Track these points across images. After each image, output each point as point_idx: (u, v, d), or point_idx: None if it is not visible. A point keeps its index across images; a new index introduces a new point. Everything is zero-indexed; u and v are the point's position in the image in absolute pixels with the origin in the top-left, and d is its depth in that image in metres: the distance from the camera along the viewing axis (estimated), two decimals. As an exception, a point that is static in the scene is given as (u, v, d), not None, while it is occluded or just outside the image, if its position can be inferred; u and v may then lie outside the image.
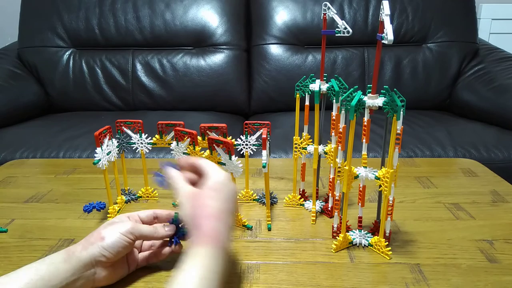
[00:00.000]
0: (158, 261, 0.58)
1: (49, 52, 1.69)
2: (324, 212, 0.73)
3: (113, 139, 0.72)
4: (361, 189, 0.61)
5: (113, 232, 0.50)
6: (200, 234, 0.46)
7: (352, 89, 0.57)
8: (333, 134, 0.65)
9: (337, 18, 0.62)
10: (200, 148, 0.65)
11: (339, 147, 0.61)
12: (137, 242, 0.57)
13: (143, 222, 0.56)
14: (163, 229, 0.56)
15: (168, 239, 0.57)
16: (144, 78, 1.68)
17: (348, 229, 0.65)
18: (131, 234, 0.51)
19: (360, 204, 0.63)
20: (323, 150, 0.70)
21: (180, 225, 0.58)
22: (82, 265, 0.48)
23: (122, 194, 0.78)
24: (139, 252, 0.58)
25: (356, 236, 0.64)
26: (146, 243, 0.59)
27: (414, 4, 1.67)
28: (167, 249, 0.57)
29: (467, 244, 0.63)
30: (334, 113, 0.65)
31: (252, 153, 0.74)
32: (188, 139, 0.65)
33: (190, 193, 0.51)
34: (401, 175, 0.89)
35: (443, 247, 0.63)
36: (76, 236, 0.66)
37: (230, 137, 0.67)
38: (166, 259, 0.58)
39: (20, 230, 0.69)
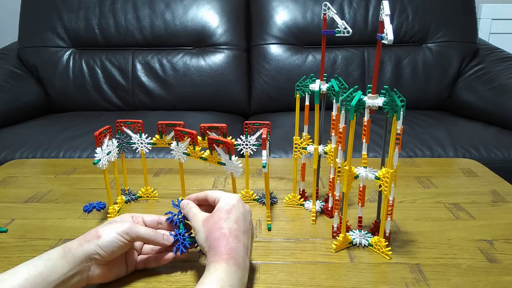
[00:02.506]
0: (158, 266, 0.57)
1: (49, 52, 1.69)
2: (324, 212, 0.73)
3: (113, 139, 0.72)
4: (361, 189, 0.61)
5: (109, 231, 0.51)
6: (217, 253, 0.48)
7: (352, 89, 0.57)
8: (333, 134, 0.65)
9: (337, 18, 0.62)
10: (200, 148, 0.65)
11: (339, 147, 0.61)
12: (138, 244, 0.57)
13: (147, 226, 0.56)
14: (162, 238, 0.55)
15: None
16: (144, 78, 1.68)
17: (348, 229, 0.65)
18: (127, 235, 0.51)
19: (360, 204, 0.63)
20: (323, 150, 0.70)
21: (186, 233, 0.58)
22: (78, 261, 0.48)
23: (122, 194, 0.78)
24: (138, 254, 0.58)
25: (356, 236, 0.64)
26: (147, 246, 0.58)
27: (414, 4, 1.67)
28: (170, 255, 0.57)
29: (467, 244, 0.63)
30: (334, 113, 0.65)
31: (252, 153, 0.74)
32: (188, 139, 0.65)
33: (204, 218, 0.53)
34: (401, 175, 0.89)
35: (443, 247, 0.63)
36: (76, 236, 0.65)
37: (230, 137, 0.67)
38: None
39: (20, 230, 0.69)
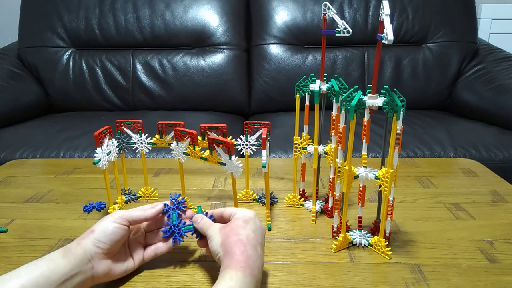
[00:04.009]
0: (168, 251, 0.58)
1: (49, 52, 1.69)
2: (324, 212, 0.73)
3: (113, 139, 0.72)
4: (361, 189, 0.61)
5: (102, 223, 0.52)
6: (233, 259, 0.47)
7: (352, 89, 0.57)
8: (333, 134, 0.65)
9: (337, 18, 0.62)
10: (200, 148, 0.65)
11: (339, 147, 0.61)
12: (140, 236, 0.58)
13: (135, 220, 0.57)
14: (151, 209, 0.56)
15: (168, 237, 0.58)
16: (144, 78, 1.68)
17: (348, 229, 0.65)
18: (120, 219, 0.52)
19: (360, 204, 0.63)
20: (323, 150, 0.70)
21: (180, 223, 0.58)
22: (79, 260, 0.48)
23: (122, 194, 0.78)
24: (144, 247, 0.58)
25: (356, 236, 0.64)
26: (150, 236, 0.59)
27: (414, 4, 1.67)
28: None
29: (467, 244, 0.63)
30: (334, 113, 0.65)
31: (252, 153, 0.74)
32: (188, 139, 0.65)
33: (220, 226, 0.53)
34: (401, 175, 0.89)
35: (443, 247, 0.63)
36: (76, 236, 0.65)
37: (230, 137, 0.67)
38: (167, 260, 0.58)
39: (20, 230, 0.69)
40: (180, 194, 0.59)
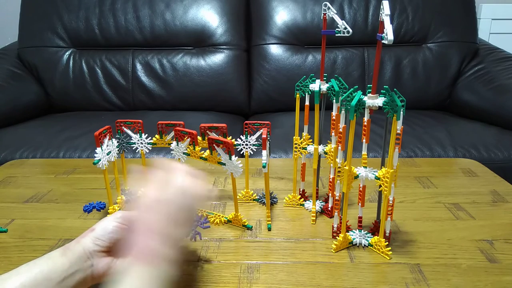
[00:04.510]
0: None
1: (49, 52, 1.69)
2: (324, 212, 0.73)
3: (113, 139, 0.72)
4: (361, 189, 0.61)
5: (102, 221, 0.52)
6: (135, 249, 0.46)
7: (352, 89, 0.57)
8: (333, 134, 0.65)
9: (337, 18, 0.62)
10: (200, 148, 0.65)
11: (339, 147, 0.61)
12: None
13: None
14: None
15: None
16: (144, 78, 1.68)
17: (348, 229, 0.65)
18: (121, 218, 0.52)
19: (360, 204, 0.63)
20: (323, 150, 0.70)
21: (204, 219, 0.58)
22: (78, 258, 0.48)
23: (122, 194, 0.78)
24: None
25: (356, 236, 0.64)
26: None
27: (414, 4, 1.67)
28: None
29: (467, 244, 0.63)
30: (334, 113, 0.65)
31: (252, 153, 0.74)
32: (188, 139, 0.65)
33: (145, 199, 0.50)
34: (401, 175, 0.89)
35: (443, 247, 0.63)
36: (76, 236, 0.65)
37: (230, 137, 0.67)
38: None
39: (20, 230, 0.69)
40: None
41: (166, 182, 0.50)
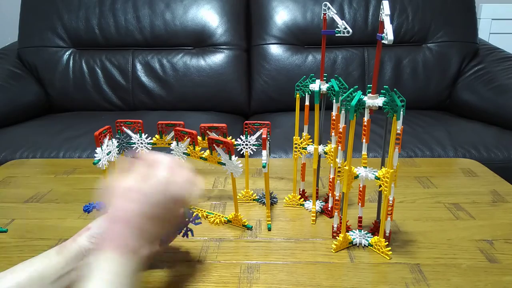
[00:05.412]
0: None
1: (49, 52, 1.69)
2: (324, 212, 0.73)
3: (113, 139, 0.72)
4: (361, 189, 0.61)
5: (98, 220, 0.52)
6: (107, 238, 0.44)
7: (352, 89, 0.57)
8: (333, 134, 0.65)
9: (337, 18, 0.62)
10: (200, 148, 0.65)
11: (339, 147, 0.61)
12: None
13: None
14: None
15: None
16: (144, 78, 1.68)
17: (348, 229, 0.65)
18: None
19: (360, 204, 0.63)
20: (323, 150, 0.70)
21: (195, 216, 0.57)
22: (74, 256, 0.48)
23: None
24: None
25: (356, 236, 0.64)
26: None
27: (414, 4, 1.67)
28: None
29: (467, 244, 0.63)
30: (334, 113, 0.65)
31: (252, 153, 0.74)
32: (188, 139, 0.65)
33: (121, 188, 0.47)
34: (401, 175, 0.89)
35: (443, 247, 0.63)
36: (76, 236, 0.66)
37: (230, 137, 0.67)
38: (167, 260, 0.58)
39: (20, 230, 0.69)
40: None
41: (147, 175, 0.47)
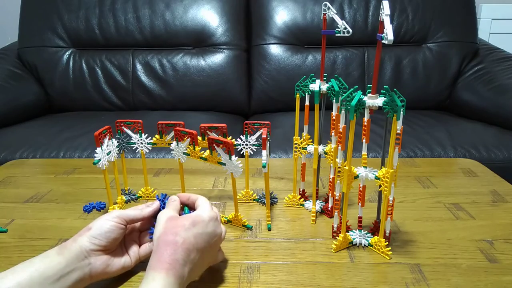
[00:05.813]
0: None
1: (49, 52, 1.69)
2: (324, 212, 0.73)
3: (113, 139, 0.72)
4: (361, 189, 0.61)
5: (99, 221, 0.52)
6: (160, 260, 0.46)
7: (352, 89, 0.57)
8: (333, 134, 0.65)
9: (337, 18, 0.62)
10: (200, 148, 0.65)
11: (339, 147, 0.61)
12: (135, 235, 0.58)
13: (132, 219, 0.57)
14: (147, 208, 0.57)
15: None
16: (144, 78, 1.68)
17: (348, 229, 0.65)
18: (117, 218, 0.53)
19: (360, 204, 0.63)
20: (323, 150, 0.70)
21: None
22: (74, 256, 0.48)
23: (122, 194, 0.78)
24: (139, 245, 0.58)
25: (356, 236, 0.64)
26: (143, 238, 0.59)
27: (414, 4, 1.67)
28: None
29: (467, 244, 0.63)
30: (334, 113, 0.65)
31: (252, 153, 0.74)
32: (188, 139, 0.65)
33: (170, 216, 0.52)
34: (401, 175, 0.89)
35: (443, 247, 0.63)
36: (76, 236, 0.66)
37: (230, 137, 0.67)
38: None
39: (20, 230, 0.69)
40: (166, 195, 0.60)
41: (206, 222, 0.52)
